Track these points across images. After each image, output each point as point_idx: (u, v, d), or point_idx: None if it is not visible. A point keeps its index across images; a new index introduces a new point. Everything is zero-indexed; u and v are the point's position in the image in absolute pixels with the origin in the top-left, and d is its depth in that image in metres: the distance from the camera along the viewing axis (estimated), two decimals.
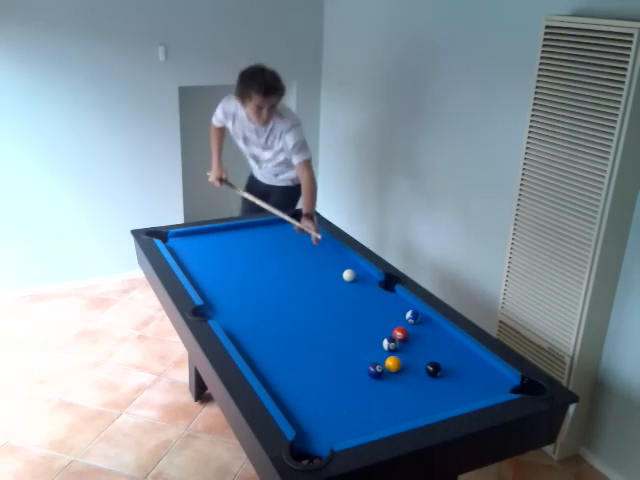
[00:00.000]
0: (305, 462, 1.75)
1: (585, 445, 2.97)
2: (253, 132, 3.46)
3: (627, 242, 2.65)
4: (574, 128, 2.59)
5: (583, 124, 2.55)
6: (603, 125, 2.46)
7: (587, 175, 2.56)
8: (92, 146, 4.18)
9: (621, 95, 2.37)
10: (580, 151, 2.58)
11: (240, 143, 3.63)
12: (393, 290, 2.77)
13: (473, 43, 3.29)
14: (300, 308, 2.62)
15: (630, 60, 2.32)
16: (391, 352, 2.29)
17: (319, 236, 3.09)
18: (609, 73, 2.41)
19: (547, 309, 2.84)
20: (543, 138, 2.74)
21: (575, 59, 2.54)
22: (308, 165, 3.38)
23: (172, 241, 3.20)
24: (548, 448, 2.96)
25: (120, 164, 4.30)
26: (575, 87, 2.56)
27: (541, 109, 2.73)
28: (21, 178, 4.07)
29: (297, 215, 3.44)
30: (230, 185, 3.73)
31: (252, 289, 2.77)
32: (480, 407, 1.96)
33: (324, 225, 3.39)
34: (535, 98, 2.75)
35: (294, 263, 3.04)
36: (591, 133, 2.52)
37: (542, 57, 2.67)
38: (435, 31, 3.56)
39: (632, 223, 2.62)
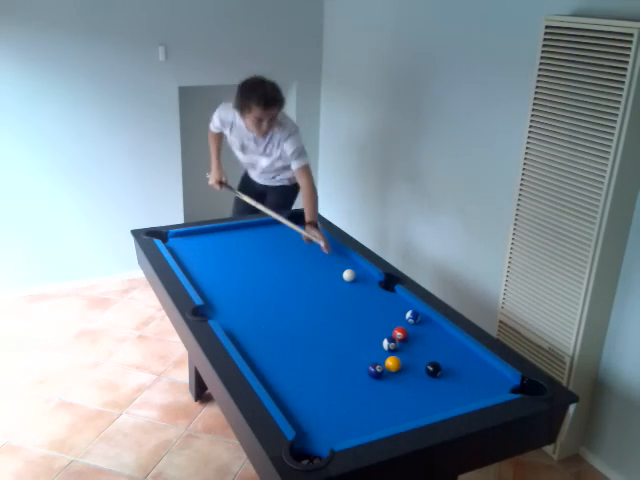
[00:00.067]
0: (305, 462, 1.75)
1: (585, 445, 2.97)
2: (251, 140, 3.46)
3: (627, 242, 2.65)
4: (574, 128, 2.59)
5: (583, 124, 2.55)
6: (603, 125, 2.46)
7: (587, 175, 2.56)
8: (92, 146, 4.18)
9: (621, 95, 2.37)
10: (580, 151, 2.58)
11: (237, 152, 3.63)
12: (393, 290, 2.77)
13: (473, 43, 3.29)
14: (300, 308, 2.62)
15: (630, 60, 2.32)
16: (391, 352, 2.29)
17: (329, 246, 3.06)
18: (609, 73, 2.41)
19: (547, 309, 2.84)
20: (543, 138, 2.74)
21: (575, 59, 2.54)
22: (307, 171, 3.36)
23: (172, 241, 3.20)
24: (548, 448, 2.96)
25: (120, 164, 4.30)
26: (575, 87, 2.56)
27: (541, 109, 2.73)
28: (21, 178, 4.07)
29: (295, 217, 3.45)
30: (230, 188, 3.73)
31: (252, 289, 2.77)
32: (480, 407, 1.96)
33: (324, 225, 3.39)
34: (535, 98, 2.75)
35: (294, 263, 3.04)
36: (591, 133, 2.52)
37: (542, 57, 2.67)
38: (435, 31, 3.56)
39: (632, 223, 2.62)
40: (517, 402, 2.01)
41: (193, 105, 4.73)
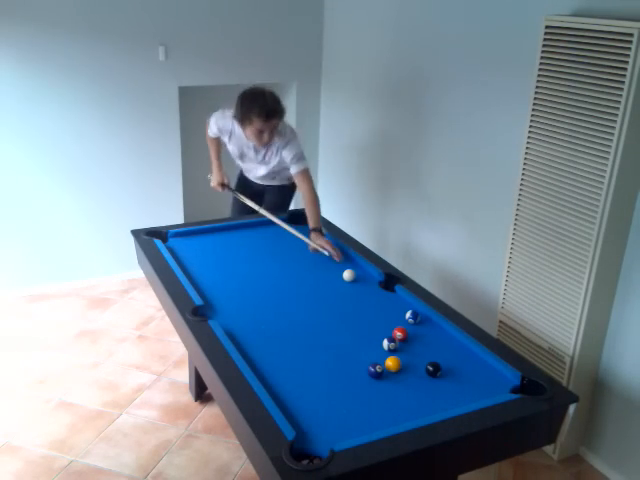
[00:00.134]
0: (305, 462, 1.75)
1: (585, 445, 2.97)
2: (251, 149, 3.47)
3: (627, 242, 2.65)
4: (574, 128, 2.59)
5: (583, 124, 2.55)
6: (603, 125, 2.46)
7: (587, 175, 2.56)
8: (92, 146, 4.18)
9: (621, 95, 2.37)
10: (580, 151, 2.58)
11: (236, 159, 3.64)
12: (393, 290, 2.77)
13: (473, 43, 3.29)
14: (300, 308, 2.62)
15: (630, 60, 2.32)
16: (391, 352, 2.29)
17: (339, 253, 3.00)
18: (609, 73, 2.41)
19: (547, 309, 2.84)
20: (543, 138, 2.74)
21: (575, 59, 2.54)
22: (307, 175, 3.32)
23: (172, 241, 3.20)
24: (548, 448, 2.96)
25: (120, 164, 4.30)
26: (575, 87, 2.56)
27: (541, 109, 2.73)
28: (21, 178, 4.07)
29: (295, 217, 3.45)
30: (232, 190, 3.74)
31: (252, 289, 2.77)
32: (480, 407, 1.96)
33: (324, 225, 3.38)
34: (535, 98, 2.75)
35: (294, 263, 3.04)
36: (591, 133, 2.52)
37: (542, 57, 2.67)
38: (435, 31, 3.56)
39: (632, 223, 2.62)
40: (517, 402, 2.01)
41: (193, 105, 4.73)
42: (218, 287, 2.74)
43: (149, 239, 3.12)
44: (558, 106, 2.64)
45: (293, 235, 3.23)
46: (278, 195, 3.70)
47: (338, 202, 4.75)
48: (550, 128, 2.70)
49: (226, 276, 2.87)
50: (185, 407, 3.21)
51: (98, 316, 4.07)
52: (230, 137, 3.49)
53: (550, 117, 2.69)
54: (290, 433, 1.81)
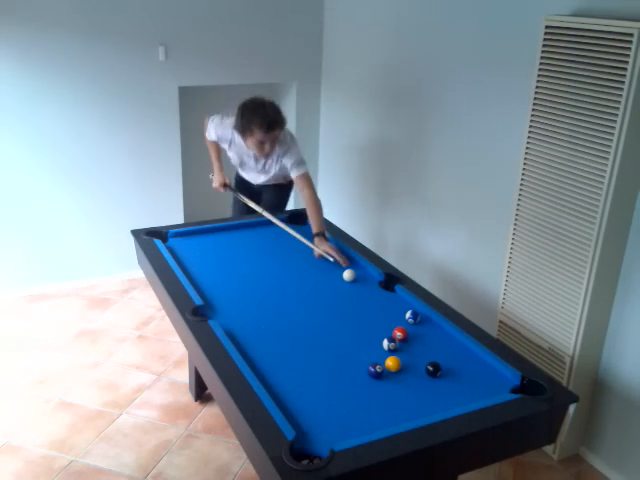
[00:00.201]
0: (305, 462, 1.75)
1: (585, 445, 2.97)
2: (251, 158, 3.48)
3: (627, 242, 2.65)
4: (574, 128, 2.59)
5: (583, 124, 2.55)
6: (603, 125, 2.46)
7: (587, 175, 2.56)
8: (92, 146, 4.18)
9: (621, 95, 2.37)
10: (580, 151, 2.58)
11: (236, 166, 3.65)
12: (393, 290, 2.77)
13: (473, 43, 3.29)
14: (300, 308, 2.62)
15: (630, 60, 2.32)
16: (391, 352, 2.29)
17: (345, 258, 2.97)
18: (609, 73, 2.41)
19: (547, 309, 2.84)
20: (543, 138, 2.74)
21: (575, 59, 2.54)
22: (307, 179, 3.30)
23: (172, 241, 3.20)
24: (548, 448, 2.96)
25: (120, 164, 4.30)
26: (575, 87, 2.56)
27: (541, 109, 2.73)
28: (21, 178, 4.07)
29: (295, 217, 3.45)
30: (234, 190, 3.75)
31: (252, 289, 2.77)
32: (480, 407, 1.96)
33: (324, 225, 3.38)
34: (535, 98, 2.74)
35: (294, 263, 3.04)
36: (591, 133, 2.52)
37: (542, 57, 2.67)
38: (435, 31, 3.56)
39: (632, 223, 2.62)
40: (517, 402, 2.01)
41: (193, 105, 4.73)
42: (218, 287, 2.74)
43: (149, 239, 3.12)
44: (558, 106, 2.64)
45: (289, 232, 3.23)
46: (275, 194, 3.71)
47: (338, 202, 4.75)
48: (550, 128, 2.70)
49: (226, 276, 2.87)
50: (185, 407, 3.21)
51: (98, 316, 4.07)
52: (230, 145, 3.50)
53: (550, 117, 2.69)
54: (290, 433, 1.81)
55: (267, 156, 3.38)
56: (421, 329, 2.48)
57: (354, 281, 2.84)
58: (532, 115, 2.77)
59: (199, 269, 2.90)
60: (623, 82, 2.36)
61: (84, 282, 4.43)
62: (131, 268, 4.23)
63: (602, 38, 2.41)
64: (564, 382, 2.77)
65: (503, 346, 2.39)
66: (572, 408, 2.75)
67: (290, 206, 4.54)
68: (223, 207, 4.11)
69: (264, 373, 2.14)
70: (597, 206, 2.53)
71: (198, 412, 3.17)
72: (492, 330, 3.06)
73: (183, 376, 3.42)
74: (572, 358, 2.75)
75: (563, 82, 2.60)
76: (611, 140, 2.44)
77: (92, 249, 4.40)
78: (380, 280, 2.85)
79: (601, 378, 2.84)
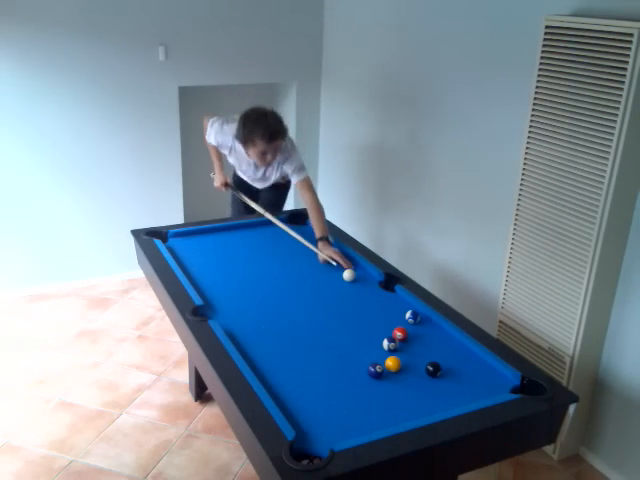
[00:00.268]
0: (305, 462, 1.75)
1: (585, 445, 2.97)
2: (251, 166, 3.48)
3: (627, 242, 2.65)
4: (574, 128, 2.59)
5: (583, 124, 2.55)
6: (603, 125, 2.46)
7: (587, 175, 2.56)
8: (92, 146, 4.18)
9: (621, 95, 2.37)
10: (580, 151, 2.58)
11: (237, 170, 3.65)
12: (393, 290, 2.77)
13: (473, 43, 3.29)
14: (300, 308, 2.62)
15: (630, 60, 2.32)
16: (391, 352, 2.29)
17: (349, 262, 2.94)
18: (609, 73, 2.41)
19: (547, 309, 2.84)
20: (543, 138, 2.74)
21: (575, 59, 2.54)
22: (308, 183, 3.29)
23: (172, 241, 3.20)
24: (548, 448, 2.96)
25: (120, 164, 4.30)
26: (575, 87, 2.56)
27: (541, 109, 2.73)
28: (21, 178, 4.07)
29: (295, 217, 3.45)
30: (235, 190, 3.75)
31: (252, 289, 2.77)
32: (480, 407, 1.96)
33: None
34: (535, 98, 2.74)
35: (294, 263, 3.04)
36: (591, 133, 2.52)
37: (542, 57, 2.67)
38: (435, 31, 3.56)
39: (632, 223, 2.62)
40: (517, 402, 2.01)
41: (193, 105, 4.73)
42: (218, 287, 2.74)
43: (149, 239, 3.12)
44: (558, 106, 2.64)
45: (292, 234, 3.23)
46: (273, 193, 3.71)
47: (338, 202, 4.75)
48: (550, 128, 2.70)
49: (226, 276, 2.87)
50: (185, 407, 3.21)
51: (98, 316, 4.07)
52: (230, 152, 3.50)
53: (550, 117, 2.69)
54: (290, 433, 1.81)
55: (268, 165, 3.38)
56: (421, 329, 2.48)
57: (354, 281, 2.84)
58: (532, 115, 2.77)
59: (199, 269, 2.90)
60: (623, 82, 2.36)
61: (84, 282, 4.43)
62: (131, 268, 4.23)
63: (602, 38, 2.41)
64: (564, 382, 2.77)
65: (503, 346, 2.39)
66: (572, 408, 2.75)
67: (290, 206, 4.55)
68: (223, 207, 4.11)
69: (264, 373, 2.14)
70: (597, 206, 2.53)
71: (198, 412, 3.17)
72: (492, 330, 3.06)
73: (183, 376, 3.42)
74: (572, 358, 2.75)
75: (563, 82, 2.60)
76: (611, 140, 2.44)
77: (92, 249, 4.40)
78: (380, 280, 2.85)
79: (601, 378, 2.84)
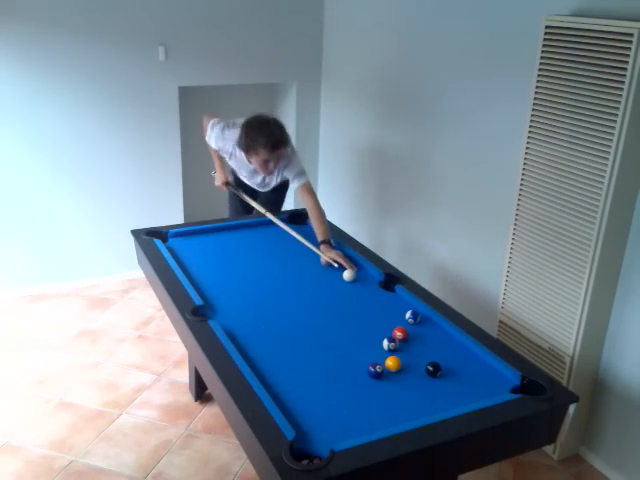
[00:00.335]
0: (305, 462, 1.75)
1: (585, 445, 2.97)
2: (252, 172, 3.47)
3: (627, 242, 2.65)
4: (574, 128, 2.59)
5: (583, 124, 2.55)
6: (603, 125, 2.46)
7: (587, 175, 2.56)
8: (92, 146, 4.18)
9: (621, 95, 2.37)
10: (580, 151, 2.58)
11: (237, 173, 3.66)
12: (393, 290, 2.77)
13: (473, 43, 3.29)
14: (300, 308, 2.62)
15: (630, 60, 2.32)
16: (391, 352, 2.29)
17: (353, 265, 2.92)
18: (609, 73, 2.41)
19: (547, 309, 2.84)
20: (543, 138, 2.74)
21: (575, 59, 2.54)
22: (309, 187, 3.28)
23: (172, 241, 3.20)
24: (548, 448, 2.96)
25: (120, 164, 4.30)
26: (575, 87, 2.56)
27: (541, 109, 2.73)
28: (21, 178, 4.07)
29: (294, 217, 3.45)
30: (236, 190, 3.75)
31: (252, 289, 2.77)
32: (480, 407, 1.96)
33: None
34: (535, 98, 2.74)
35: (294, 263, 3.04)
36: (591, 133, 2.52)
37: (542, 57, 2.67)
38: (435, 30, 3.56)
39: (632, 223, 2.62)
40: (517, 402, 2.01)
41: (193, 105, 4.73)
42: (218, 287, 2.74)
43: (149, 239, 3.12)
44: (558, 106, 2.64)
45: (293, 235, 3.23)
46: (272, 192, 3.71)
47: (338, 202, 4.75)
48: (550, 128, 2.70)
49: (226, 276, 2.87)
50: (185, 407, 3.21)
51: (98, 316, 4.07)
52: (230, 157, 3.50)
53: (550, 117, 2.69)
54: (290, 433, 1.81)
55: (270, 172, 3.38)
56: (421, 329, 2.48)
57: (354, 281, 2.84)
58: (532, 115, 2.77)
59: (199, 269, 2.90)
60: (623, 82, 2.36)
61: (84, 282, 4.43)
62: (131, 268, 4.23)
63: (602, 38, 2.41)
64: (564, 382, 2.77)
65: (503, 346, 2.39)
66: (572, 408, 2.75)
67: (290, 206, 4.55)
68: (223, 207, 4.11)
69: (264, 373, 2.14)
70: (597, 206, 2.53)
71: (198, 412, 3.18)
72: (492, 330, 3.06)
73: (183, 376, 3.42)
74: (572, 358, 2.75)
75: (563, 82, 2.60)
76: (611, 140, 2.44)
77: (92, 249, 4.40)
78: (380, 280, 2.85)
79: (601, 378, 2.84)
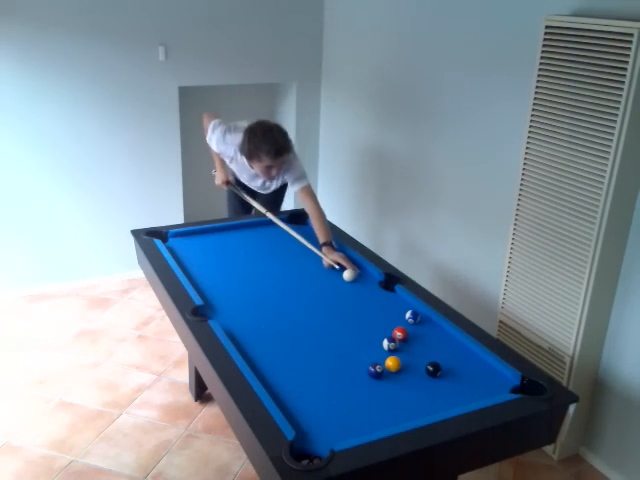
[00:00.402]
0: (305, 462, 1.75)
1: (585, 445, 2.97)
2: (253, 176, 3.48)
3: (627, 242, 2.65)
4: (574, 128, 2.59)
5: (583, 124, 2.55)
6: (603, 125, 2.46)
7: (587, 175, 2.56)
8: (92, 146, 4.18)
9: (621, 95, 2.37)
10: (580, 151, 2.58)
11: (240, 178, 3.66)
12: (393, 290, 2.77)
13: (473, 43, 3.29)
14: (300, 308, 2.62)
15: (630, 60, 2.32)
16: (391, 352, 2.29)
17: (355, 267, 2.91)
18: (609, 73, 2.41)
19: (547, 309, 2.84)
20: (543, 138, 2.74)
21: (575, 59, 2.54)
22: (309, 190, 3.28)
23: (172, 241, 3.20)
24: (548, 448, 2.96)
25: (120, 164, 4.30)
26: (575, 87, 2.56)
27: (541, 109, 2.73)
28: (21, 178, 4.07)
29: (294, 217, 3.45)
30: (236, 189, 3.75)
31: (252, 289, 2.77)
32: (480, 407, 1.96)
33: None
34: (535, 98, 2.74)
35: (294, 263, 3.04)
36: (591, 133, 2.52)
37: (542, 57, 2.67)
38: (435, 30, 3.56)
39: (632, 223, 2.62)
40: (517, 402, 2.01)
41: (193, 105, 4.73)
42: (218, 287, 2.74)
43: (149, 239, 3.12)
44: (558, 106, 2.64)
45: (293, 235, 3.23)
46: (271, 193, 3.71)
47: (338, 202, 4.75)
48: (550, 128, 2.70)
49: (226, 276, 2.87)
50: (185, 407, 3.21)
51: (98, 316, 4.07)
52: (231, 161, 3.50)
53: (550, 117, 2.69)
54: (290, 433, 1.81)
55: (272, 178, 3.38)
56: (421, 329, 2.48)
57: (354, 281, 2.84)
58: (532, 115, 2.77)
59: (199, 269, 2.90)
60: (623, 82, 2.36)
61: (84, 282, 4.43)
62: (131, 268, 4.23)
63: (602, 38, 2.41)
64: (564, 382, 2.77)
65: (503, 346, 2.39)
66: (572, 408, 2.75)
67: (290, 206, 4.55)
68: (223, 207, 4.10)
69: (264, 373, 2.14)
70: (597, 206, 2.53)
71: (198, 412, 3.18)
72: (492, 330, 3.06)
73: (183, 376, 3.42)
74: (572, 358, 2.75)
75: (563, 82, 2.60)
76: (611, 140, 2.44)
77: (92, 249, 4.40)
78: (380, 280, 2.85)
79: (601, 378, 2.84)
